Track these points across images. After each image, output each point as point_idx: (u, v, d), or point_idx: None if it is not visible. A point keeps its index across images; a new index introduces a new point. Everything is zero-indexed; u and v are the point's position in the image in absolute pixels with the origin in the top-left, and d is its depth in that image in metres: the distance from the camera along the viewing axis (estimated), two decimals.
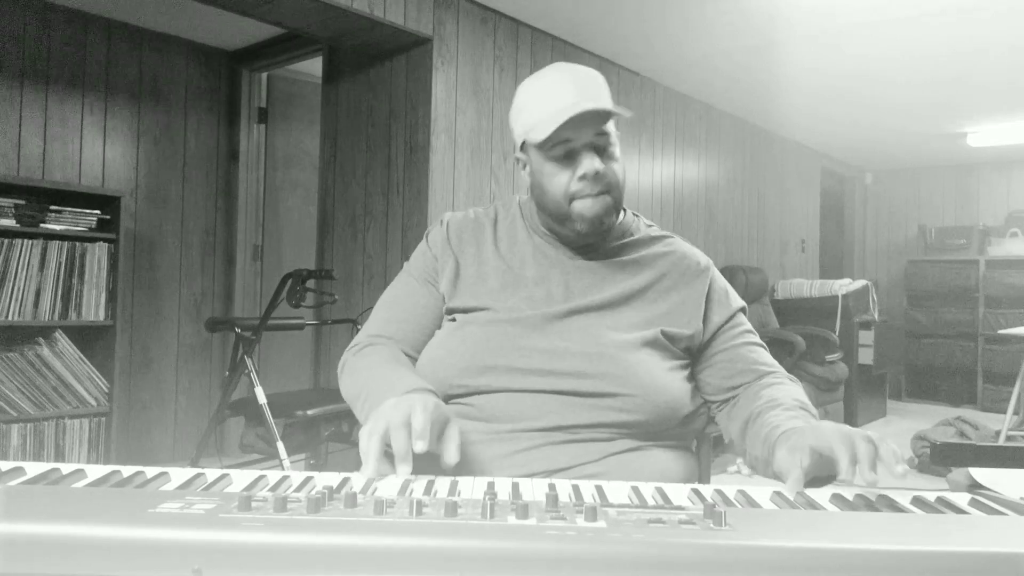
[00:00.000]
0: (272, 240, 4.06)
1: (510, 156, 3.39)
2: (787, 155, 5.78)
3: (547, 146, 1.07)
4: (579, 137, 1.05)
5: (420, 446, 0.80)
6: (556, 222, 1.12)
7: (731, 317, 1.17)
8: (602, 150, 1.07)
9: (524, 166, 1.15)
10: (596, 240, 1.14)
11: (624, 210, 1.24)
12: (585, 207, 1.08)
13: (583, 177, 1.06)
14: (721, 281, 1.21)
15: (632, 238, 1.20)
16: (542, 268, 1.15)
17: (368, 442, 0.82)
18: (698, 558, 0.52)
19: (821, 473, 0.85)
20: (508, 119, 1.17)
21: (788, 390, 1.08)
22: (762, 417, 1.02)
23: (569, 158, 1.07)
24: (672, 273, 1.16)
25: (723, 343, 1.15)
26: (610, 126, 1.09)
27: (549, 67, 1.13)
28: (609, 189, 1.08)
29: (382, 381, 1.02)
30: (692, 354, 1.15)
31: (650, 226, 1.25)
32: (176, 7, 3.32)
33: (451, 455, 0.84)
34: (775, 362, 1.18)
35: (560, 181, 1.08)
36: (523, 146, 1.13)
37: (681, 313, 1.13)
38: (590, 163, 1.05)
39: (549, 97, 1.07)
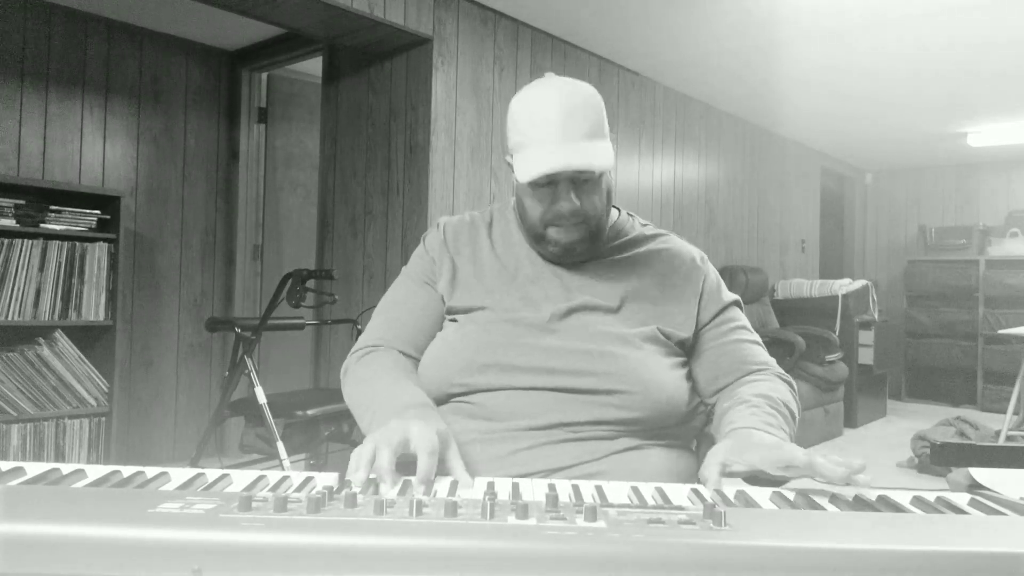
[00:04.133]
0: (272, 240, 4.06)
1: None
2: (787, 155, 5.78)
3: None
4: (560, 174, 1.05)
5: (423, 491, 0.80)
6: (532, 240, 1.15)
7: (720, 312, 1.16)
8: (583, 183, 1.08)
9: (512, 170, 1.16)
10: (573, 260, 1.15)
11: (619, 210, 1.24)
12: (560, 235, 1.10)
13: (559, 211, 1.07)
14: (715, 276, 1.20)
15: (626, 238, 1.20)
16: (537, 269, 1.16)
17: (355, 476, 0.80)
18: (698, 558, 0.52)
19: (762, 476, 0.86)
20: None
21: (763, 387, 1.07)
22: (726, 417, 1.03)
23: (549, 187, 1.08)
24: (666, 272, 1.17)
25: (710, 340, 1.15)
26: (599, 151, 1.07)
27: (542, 83, 1.09)
28: (586, 221, 1.09)
29: (381, 395, 1.04)
30: (687, 351, 1.15)
31: (644, 225, 1.25)
32: (176, 7, 3.32)
33: (465, 480, 0.84)
34: (767, 359, 1.16)
35: (537, 208, 1.10)
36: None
37: (676, 312, 1.14)
38: (567, 203, 1.06)
39: (536, 125, 1.04)
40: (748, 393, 1.05)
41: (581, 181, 1.07)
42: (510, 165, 1.15)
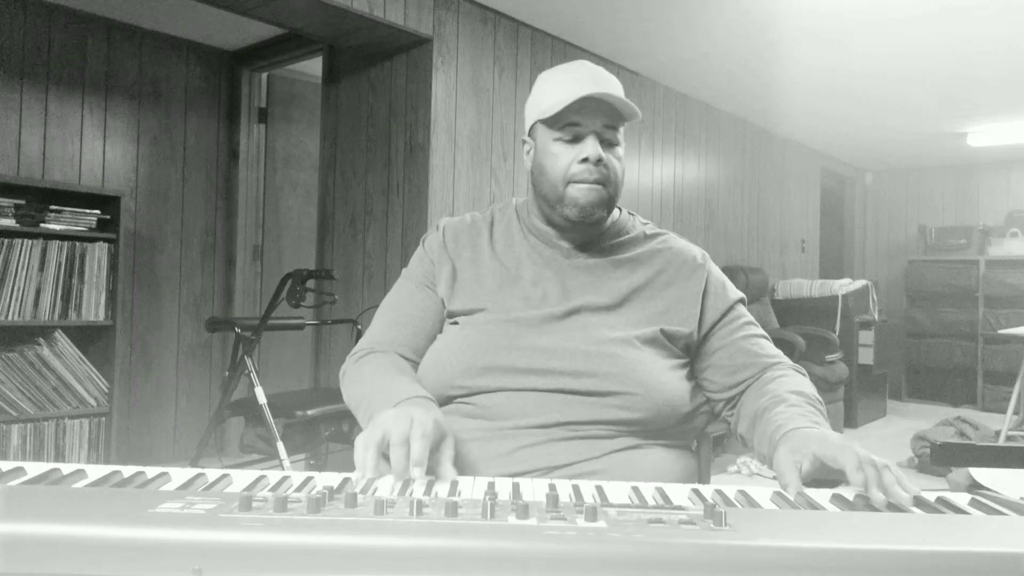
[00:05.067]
0: (272, 240, 4.06)
1: (510, 156, 3.39)
2: (787, 155, 5.78)
3: (557, 124, 1.10)
4: (589, 124, 1.09)
5: (417, 472, 0.81)
6: (548, 205, 1.14)
7: (728, 310, 1.16)
8: (608, 143, 1.10)
9: (529, 150, 1.17)
10: (585, 236, 1.15)
11: (620, 209, 1.24)
12: (580, 192, 1.10)
13: (584, 160, 1.08)
14: (718, 274, 1.21)
15: (627, 236, 1.20)
16: (538, 268, 1.15)
17: (365, 454, 0.83)
18: (698, 558, 0.52)
19: (821, 477, 0.85)
20: (523, 110, 1.20)
21: (792, 383, 1.07)
22: (767, 414, 1.01)
23: (575, 141, 1.10)
24: (668, 270, 1.17)
25: (722, 338, 1.15)
26: (619, 130, 1.12)
27: (572, 62, 1.17)
28: (606, 182, 1.10)
29: (381, 390, 1.04)
30: (691, 352, 1.15)
31: (645, 224, 1.26)
32: (176, 7, 3.32)
33: (447, 474, 0.85)
34: (778, 352, 1.17)
35: (561, 162, 1.10)
36: (531, 130, 1.16)
37: (679, 310, 1.13)
38: (593, 148, 1.08)
39: (568, 81, 1.10)
40: (781, 391, 1.04)
41: (607, 141, 1.10)
42: (525, 143, 1.18)
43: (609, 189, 1.11)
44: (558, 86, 1.11)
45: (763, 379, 1.11)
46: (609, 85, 1.11)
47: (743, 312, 1.19)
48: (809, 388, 1.07)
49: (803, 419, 0.95)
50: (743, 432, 1.09)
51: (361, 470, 0.82)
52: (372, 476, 0.81)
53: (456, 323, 1.14)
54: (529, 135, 1.17)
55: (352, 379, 1.14)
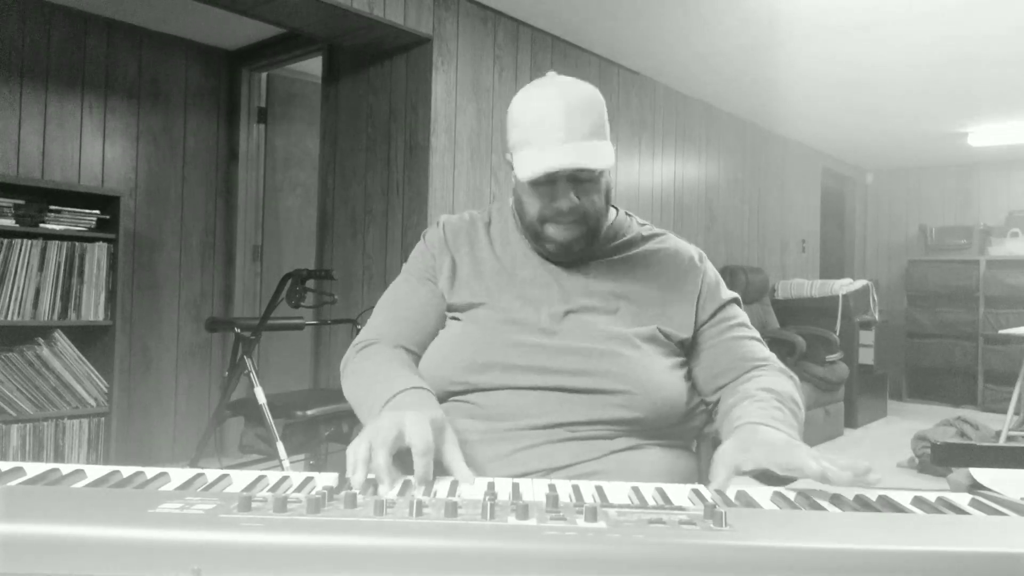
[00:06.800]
0: (272, 240, 4.06)
1: None
2: (787, 155, 5.78)
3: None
4: (559, 172, 1.05)
5: (423, 491, 0.80)
6: (530, 237, 1.15)
7: (718, 311, 1.16)
8: (583, 181, 1.07)
9: (512, 168, 1.16)
10: (571, 258, 1.15)
11: (616, 210, 1.24)
12: (557, 232, 1.10)
13: (558, 209, 1.07)
14: (712, 274, 1.20)
15: (624, 238, 1.20)
16: (535, 269, 1.16)
17: (354, 475, 0.80)
18: (698, 558, 0.52)
19: (768, 483, 0.85)
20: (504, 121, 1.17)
21: (767, 380, 1.07)
22: (733, 411, 1.02)
23: (548, 184, 1.07)
24: (665, 271, 1.17)
25: (710, 339, 1.14)
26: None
27: (545, 82, 1.09)
28: (585, 219, 1.09)
29: (380, 383, 1.03)
30: (687, 351, 1.15)
31: (643, 224, 1.25)
32: (176, 7, 3.32)
33: (466, 476, 0.84)
34: (768, 354, 1.16)
35: (536, 205, 1.09)
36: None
37: (676, 312, 1.13)
38: (566, 199, 1.06)
39: (539, 124, 1.04)
40: (752, 388, 1.04)
41: (581, 180, 1.07)
42: (509, 163, 1.15)
43: (590, 222, 1.10)
44: (529, 128, 1.04)
45: (741, 379, 1.11)
46: (582, 121, 1.03)
47: (735, 313, 1.18)
48: (784, 387, 1.06)
49: (762, 413, 0.96)
50: (721, 434, 1.09)
51: (378, 477, 0.80)
52: (389, 481, 0.79)
53: (457, 319, 1.15)
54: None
55: (351, 371, 1.13)
